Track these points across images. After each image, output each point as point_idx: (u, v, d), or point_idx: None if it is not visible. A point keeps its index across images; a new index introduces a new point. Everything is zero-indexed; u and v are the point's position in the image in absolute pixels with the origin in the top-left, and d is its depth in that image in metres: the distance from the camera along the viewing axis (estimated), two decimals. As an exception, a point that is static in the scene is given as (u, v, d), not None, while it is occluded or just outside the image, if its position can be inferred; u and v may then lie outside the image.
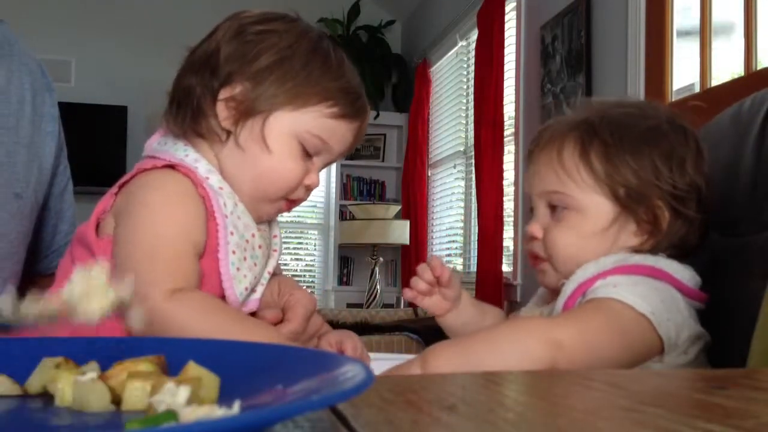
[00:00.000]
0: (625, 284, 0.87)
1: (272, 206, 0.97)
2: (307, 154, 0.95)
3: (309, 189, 0.98)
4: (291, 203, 0.98)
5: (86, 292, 0.57)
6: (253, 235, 0.95)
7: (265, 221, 1.00)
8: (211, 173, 0.93)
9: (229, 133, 0.94)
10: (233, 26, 0.95)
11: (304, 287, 1.13)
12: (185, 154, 0.93)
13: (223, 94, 0.93)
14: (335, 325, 1.06)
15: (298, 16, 0.99)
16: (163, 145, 0.96)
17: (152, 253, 0.86)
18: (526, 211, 4.02)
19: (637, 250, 0.94)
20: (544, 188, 0.97)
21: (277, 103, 0.93)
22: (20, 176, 1.05)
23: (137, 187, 0.92)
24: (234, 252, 0.91)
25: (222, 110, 0.93)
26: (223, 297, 0.91)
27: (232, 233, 0.91)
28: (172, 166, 0.92)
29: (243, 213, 0.94)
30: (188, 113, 0.94)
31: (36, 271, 1.14)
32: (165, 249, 0.86)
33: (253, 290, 0.95)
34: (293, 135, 0.93)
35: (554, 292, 0.97)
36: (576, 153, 0.94)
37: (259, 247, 0.96)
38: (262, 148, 0.93)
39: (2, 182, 1.02)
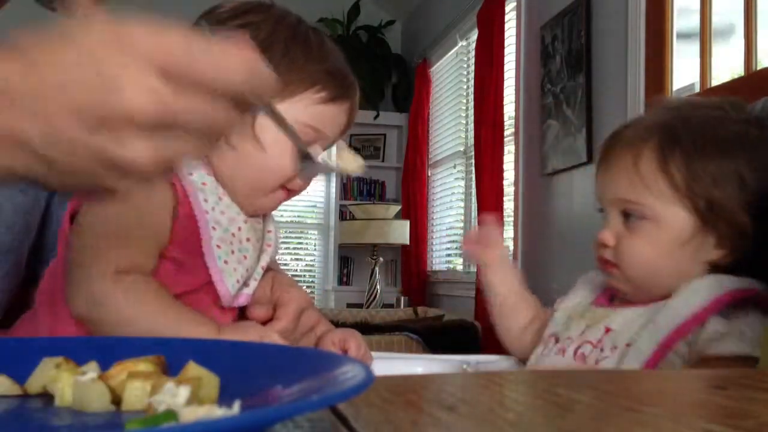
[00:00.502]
0: (731, 335, 0.83)
1: (270, 198, 0.95)
2: None
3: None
4: (290, 192, 0.96)
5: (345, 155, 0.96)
6: (240, 229, 0.94)
7: (261, 215, 0.99)
8: (195, 169, 0.92)
9: None
10: (210, 23, 0.94)
11: (304, 287, 1.12)
12: None
13: None
14: (335, 325, 1.05)
15: (272, 2, 0.98)
16: None
17: (103, 232, 0.86)
18: (526, 211, 4.02)
19: (716, 265, 0.89)
20: (618, 195, 0.93)
21: None
22: (24, 174, 1.05)
23: None
24: (219, 246, 0.91)
25: None
26: (214, 291, 0.91)
27: (214, 228, 0.91)
28: None
29: (227, 207, 0.93)
30: None
31: (39, 274, 1.14)
32: (116, 229, 0.86)
33: (245, 284, 0.95)
34: None
35: (616, 293, 0.97)
36: (654, 162, 0.89)
37: (248, 240, 0.95)
38: (254, 146, 0.91)
39: None
